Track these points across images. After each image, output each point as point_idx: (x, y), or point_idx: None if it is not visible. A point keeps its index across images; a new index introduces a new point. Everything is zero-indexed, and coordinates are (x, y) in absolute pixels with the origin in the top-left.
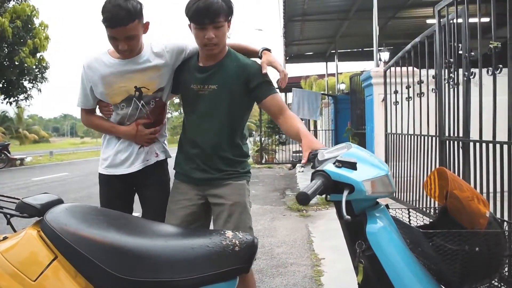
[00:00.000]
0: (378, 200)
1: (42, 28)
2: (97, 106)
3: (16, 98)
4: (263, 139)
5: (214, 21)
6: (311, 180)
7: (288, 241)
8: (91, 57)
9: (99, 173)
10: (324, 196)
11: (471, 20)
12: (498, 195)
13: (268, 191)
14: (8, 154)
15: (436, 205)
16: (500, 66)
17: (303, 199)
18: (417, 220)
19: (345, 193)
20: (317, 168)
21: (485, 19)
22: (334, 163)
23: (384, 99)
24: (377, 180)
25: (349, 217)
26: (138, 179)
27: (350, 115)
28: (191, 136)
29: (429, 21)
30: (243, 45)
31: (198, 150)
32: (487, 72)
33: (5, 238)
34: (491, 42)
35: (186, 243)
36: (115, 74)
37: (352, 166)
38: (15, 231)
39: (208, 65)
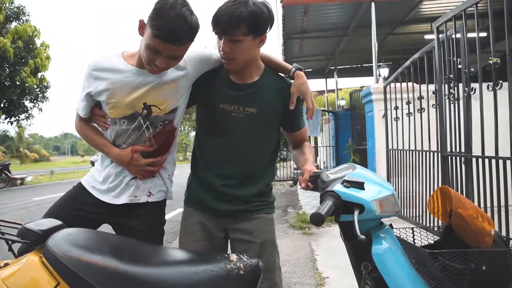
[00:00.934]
0: (382, 219)
1: (43, 48)
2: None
3: (17, 117)
4: None
5: (227, 33)
6: (321, 201)
7: (291, 260)
8: (100, 57)
9: (80, 182)
10: (334, 217)
11: (470, 35)
12: (503, 209)
13: None
14: (9, 174)
15: (440, 223)
16: (500, 81)
17: (317, 219)
18: (422, 239)
19: (356, 212)
20: (327, 189)
21: (483, 34)
22: (342, 184)
23: (385, 115)
24: (384, 200)
25: (363, 236)
26: (120, 215)
27: (350, 131)
28: (214, 161)
29: (427, 36)
30: (274, 60)
31: (225, 178)
32: (487, 87)
33: (6, 265)
34: (490, 58)
35: (190, 268)
36: (126, 84)
37: (360, 186)
38: (16, 257)
39: (243, 82)
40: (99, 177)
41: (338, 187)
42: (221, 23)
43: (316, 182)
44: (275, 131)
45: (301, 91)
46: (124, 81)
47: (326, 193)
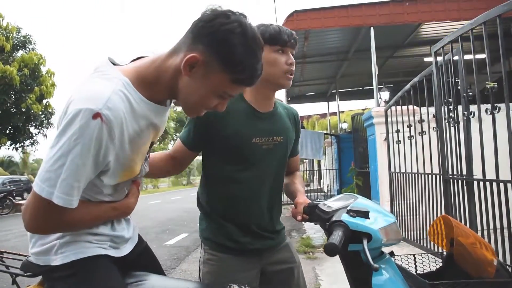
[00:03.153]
0: (382, 248)
1: (49, 75)
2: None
3: (22, 143)
4: None
5: (294, 46)
6: (330, 231)
7: None
8: (116, 100)
9: (96, 255)
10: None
11: (468, 57)
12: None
13: None
14: (13, 200)
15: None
16: (499, 106)
17: (332, 250)
18: (424, 265)
19: (365, 242)
20: (334, 219)
21: (481, 56)
22: (348, 213)
23: (386, 138)
24: (388, 228)
25: (377, 266)
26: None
27: (353, 154)
28: (245, 197)
29: (427, 59)
30: None
31: (252, 216)
32: (486, 111)
33: None
34: (487, 82)
35: None
36: (152, 127)
37: (365, 215)
38: None
39: (266, 111)
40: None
41: (345, 217)
42: (292, 36)
43: (313, 213)
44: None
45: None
46: (150, 124)
47: (334, 223)
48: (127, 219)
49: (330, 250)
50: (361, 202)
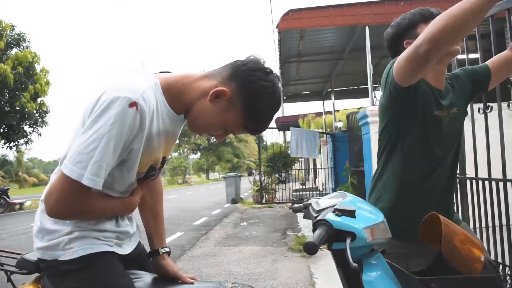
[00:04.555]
0: (373, 246)
1: (43, 74)
2: None
3: (16, 142)
4: (262, 178)
5: None
6: (313, 229)
7: (290, 283)
8: (150, 95)
9: (103, 251)
10: (327, 245)
11: (460, 56)
12: (495, 229)
13: (269, 232)
14: (8, 199)
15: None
16: (491, 105)
17: (311, 248)
18: (415, 263)
19: (348, 241)
20: (318, 218)
21: (474, 55)
22: (334, 212)
23: None
24: (375, 227)
25: (356, 264)
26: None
27: (348, 152)
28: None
29: None
30: None
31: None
32: (478, 110)
33: None
34: None
35: None
36: (165, 134)
37: (351, 214)
38: (15, 287)
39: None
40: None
41: (329, 216)
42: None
43: (308, 211)
44: None
45: None
46: (166, 131)
47: (318, 222)
48: (130, 217)
49: (308, 249)
50: (349, 201)
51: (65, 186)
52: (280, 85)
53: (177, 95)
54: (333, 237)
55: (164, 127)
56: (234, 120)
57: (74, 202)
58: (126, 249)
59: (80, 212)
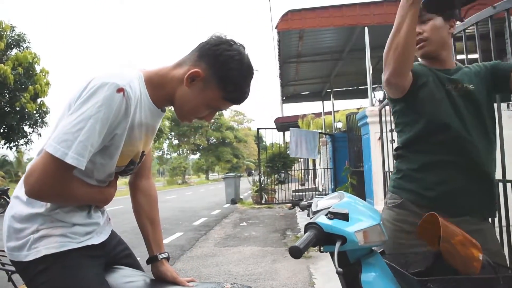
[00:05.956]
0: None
1: (43, 74)
2: None
3: (16, 143)
4: (262, 178)
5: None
6: (305, 232)
7: (289, 284)
8: (135, 85)
9: (69, 250)
10: (318, 247)
11: (460, 56)
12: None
13: (269, 232)
14: (7, 199)
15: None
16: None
17: (296, 252)
18: (414, 264)
19: (338, 244)
20: (310, 221)
21: (473, 56)
22: (326, 215)
23: (381, 137)
24: (369, 230)
25: (341, 269)
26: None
27: (347, 153)
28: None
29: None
30: None
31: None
32: (508, 106)
33: None
34: None
35: None
36: (146, 127)
37: (344, 217)
38: (16, 287)
39: (448, 68)
40: (79, 219)
41: (321, 219)
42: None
43: (309, 210)
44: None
45: None
46: (147, 124)
47: (309, 224)
48: (103, 210)
49: (293, 252)
50: (345, 203)
51: (47, 164)
52: (246, 52)
53: (157, 86)
54: (323, 240)
55: (146, 120)
56: (215, 96)
57: (54, 182)
58: (96, 239)
59: (58, 194)
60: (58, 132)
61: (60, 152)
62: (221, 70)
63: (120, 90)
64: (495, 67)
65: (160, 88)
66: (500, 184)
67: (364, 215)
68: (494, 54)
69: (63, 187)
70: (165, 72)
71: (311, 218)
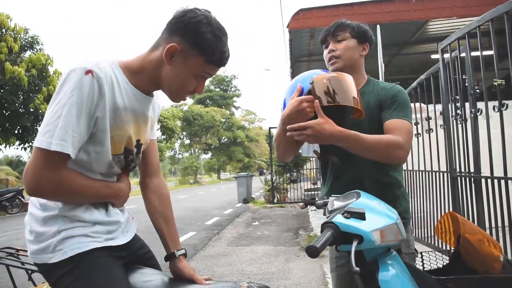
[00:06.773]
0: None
1: (56, 75)
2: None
3: (30, 143)
4: (274, 177)
5: (334, 34)
6: (321, 231)
7: (303, 283)
8: (104, 65)
9: (93, 249)
10: (334, 246)
11: (474, 53)
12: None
13: (281, 231)
14: (23, 199)
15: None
16: (506, 103)
17: (313, 251)
18: (430, 262)
19: (354, 244)
20: (327, 220)
21: (488, 52)
22: (343, 214)
23: None
24: (386, 229)
25: (358, 269)
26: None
27: None
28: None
29: (433, 56)
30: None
31: None
32: (493, 108)
33: None
34: (494, 80)
35: None
36: (134, 113)
37: (360, 216)
38: (35, 285)
39: None
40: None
41: (337, 218)
42: (329, 28)
43: (325, 209)
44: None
45: None
46: (131, 108)
47: (325, 224)
48: (122, 208)
49: (310, 252)
50: (361, 202)
51: (37, 158)
52: (213, 15)
53: (138, 72)
54: (340, 239)
55: (131, 105)
56: (197, 64)
57: (48, 174)
58: (121, 239)
59: (57, 187)
60: (42, 127)
61: (46, 143)
62: (194, 36)
63: (88, 72)
64: (383, 107)
65: (140, 72)
66: (502, 182)
67: (381, 214)
68: (510, 51)
69: (60, 179)
70: (143, 57)
71: (327, 217)
